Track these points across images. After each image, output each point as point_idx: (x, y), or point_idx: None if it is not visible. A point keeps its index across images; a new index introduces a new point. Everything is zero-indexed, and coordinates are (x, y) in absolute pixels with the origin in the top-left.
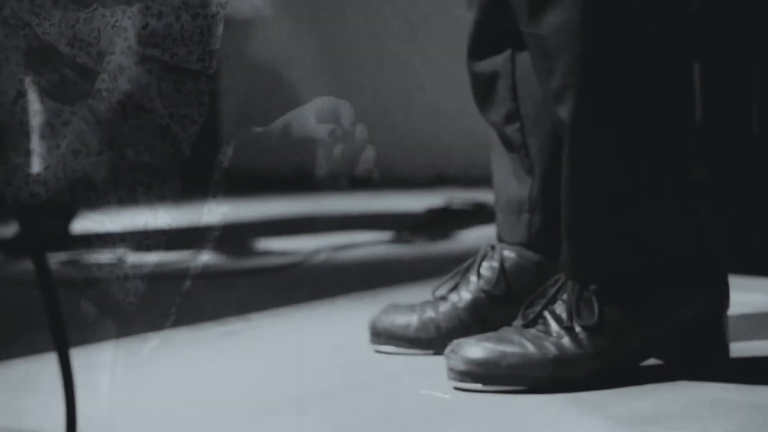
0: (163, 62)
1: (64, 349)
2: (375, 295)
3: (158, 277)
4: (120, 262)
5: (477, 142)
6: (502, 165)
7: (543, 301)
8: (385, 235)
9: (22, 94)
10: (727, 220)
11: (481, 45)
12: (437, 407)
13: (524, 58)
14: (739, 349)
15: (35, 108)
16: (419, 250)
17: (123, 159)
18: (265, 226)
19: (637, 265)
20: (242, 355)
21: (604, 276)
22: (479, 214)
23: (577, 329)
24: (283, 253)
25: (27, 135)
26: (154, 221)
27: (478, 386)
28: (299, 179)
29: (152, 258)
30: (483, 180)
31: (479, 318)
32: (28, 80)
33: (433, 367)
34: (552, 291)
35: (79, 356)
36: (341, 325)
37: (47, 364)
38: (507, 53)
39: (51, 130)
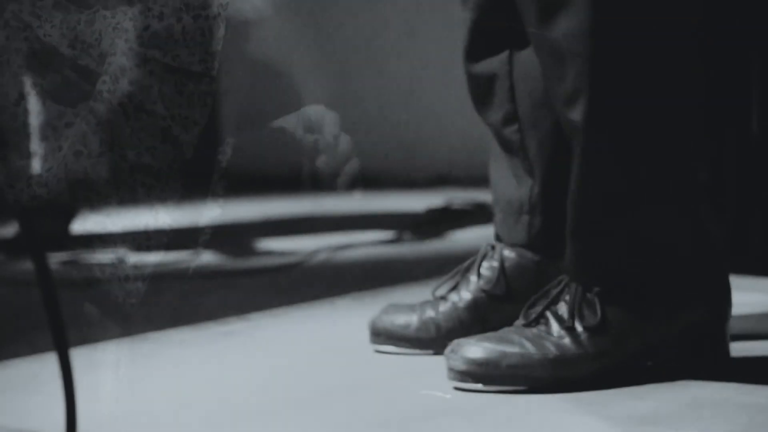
0: (164, 64)
1: (64, 349)
2: (375, 295)
3: (158, 277)
4: (120, 262)
5: (477, 142)
6: (500, 166)
7: (545, 302)
8: (385, 235)
9: (23, 96)
10: (727, 220)
11: (478, 46)
12: (437, 407)
13: (522, 59)
14: (739, 349)
15: (37, 110)
16: (419, 250)
17: (124, 160)
18: (265, 226)
19: (641, 268)
20: (242, 355)
21: (609, 278)
22: (479, 214)
23: (579, 329)
24: (283, 253)
25: (29, 137)
26: (155, 222)
27: (479, 386)
28: (299, 179)
29: (152, 258)
30: (483, 180)
31: (479, 318)
32: (29, 82)
33: (433, 367)
34: (555, 292)
35: (79, 356)
36: (341, 325)
37: (47, 364)
38: (504, 54)
39: (53, 131)
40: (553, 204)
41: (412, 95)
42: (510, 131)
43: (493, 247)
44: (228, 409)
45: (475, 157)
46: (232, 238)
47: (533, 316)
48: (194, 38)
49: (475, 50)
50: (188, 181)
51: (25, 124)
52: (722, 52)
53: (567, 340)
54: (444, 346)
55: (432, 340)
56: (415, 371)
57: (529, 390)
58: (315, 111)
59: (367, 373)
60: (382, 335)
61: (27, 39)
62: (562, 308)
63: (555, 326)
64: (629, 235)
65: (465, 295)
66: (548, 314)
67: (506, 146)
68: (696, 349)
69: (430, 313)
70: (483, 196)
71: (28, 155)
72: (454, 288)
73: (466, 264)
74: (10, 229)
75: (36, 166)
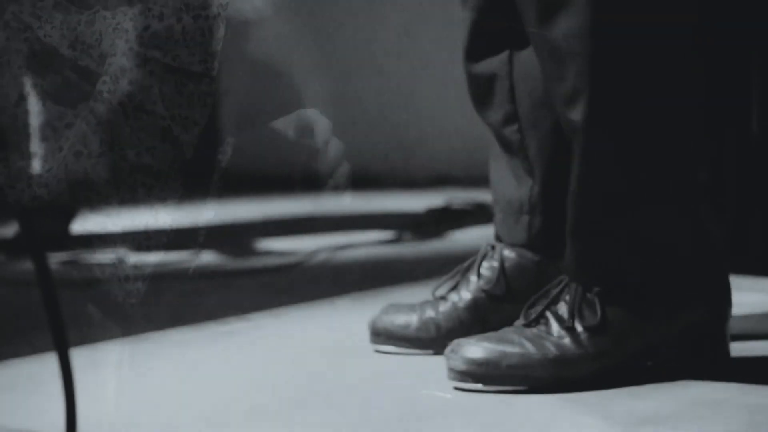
0: (164, 64)
1: (64, 349)
2: (375, 295)
3: (158, 277)
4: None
5: (477, 142)
6: (500, 166)
7: (545, 302)
8: (385, 235)
9: (24, 97)
10: (727, 220)
11: (478, 46)
12: (437, 407)
13: (522, 59)
14: (739, 349)
15: (37, 111)
16: (419, 250)
17: (124, 160)
18: (265, 226)
19: (641, 268)
20: (242, 355)
21: (609, 278)
22: (479, 214)
23: (579, 329)
24: (283, 253)
25: (29, 137)
26: (155, 222)
27: (479, 386)
28: (299, 179)
29: (152, 258)
30: (483, 180)
31: (479, 318)
32: (30, 83)
33: (433, 367)
34: (555, 292)
35: (79, 356)
36: (341, 325)
37: (47, 364)
38: (504, 55)
39: (53, 132)
40: (553, 204)
41: (412, 95)
42: (510, 131)
43: (493, 247)
44: (228, 409)
45: (475, 157)
46: (232, 238)
47: (533, 316)
48: (194, 38)
49: (475, 50)
50: (188, 181)
51: (26, 125)
52: (722, 51)
53: (567, 340)
54: (444, 346)
55: (432, 340)
56: (415, 371)
57: (529, 390)
58: (305, 115)
59: (367, 373)
60: (382, 335)
61: (27, 40)
62: (562, 308)
63: (555, 326)
64: (629, 234)
65: (465, 295)
66: (548, 314)
67: (506, 146)
68: (696, 349)
69: (430, 313)
70: (483, 196)
71: (28, 156)
72: (454, 288)
73: (466, 264)
74: (10, 229)
75: (36, 166)
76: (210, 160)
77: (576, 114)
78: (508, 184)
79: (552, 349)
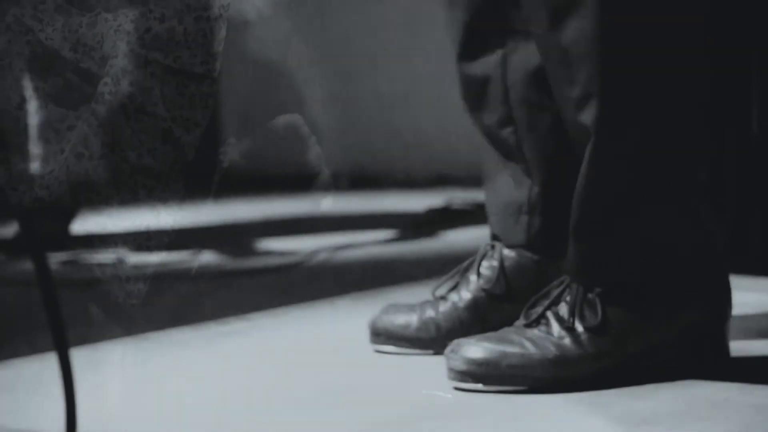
0: (166, 66)
1: (64, 349)
2: (375, 295)
3: (159, 278)
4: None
5: (477, 142)
6: (495, 169)
7: (546, 302)
8: (385, 235)
9: (26, 100)
10: (727, 220)
11: (471, 47)
12: (437, 407)
13: (515, 61)
14: (739, 349)
15: (39, 113)
16: (419, 250)
17: (126, 162)
18: (265, 226)
19: (642, 268)
20: (242, 355)
21: (610, 279)
22: (479, 214)
23: (579, 330)
24: (283, 253)
25: (31, 140)
26: (156, 222)
27: (479, 386)
28: (299, 179)
29: (153, 258)
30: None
31: (479, 317)
32: (31, 86)
33: (433, 367)
34: (556, 292)
35: (79, 356)
36: (341, 325)
37: (47, 364)
38: (497, 56)
39: (55, 134)
40: (552, 204)
41: (412, 95)
42: (506, 133)
43: (492, 247)
44: (228, 409)
45: (475, 157)
46: (232, 238)
47: (534, 316)
48: (196, 40)
49: (468, 51)
50: (189, 181)
51: (27, 127)
52: (722, 51)
53: (567, 341)
54: (444, 346)
55: (432, 340)
56: (415, 371)
57: (529, 390)
58: (290, 119)
59: (367, 373)
60: (382, 335)
61: (29, 42)
62: (563, 309)
63: (555, 326)
64: (631, 235)
65: (465, 294)
66: (549, 314)
67: (502, 148)
68: (696, 349)
69: (430, 312)
70: (483, 196)
71: (30, 158)
72: (454, 288)
73: (465, 264)
74: (10, 229)
75: (38, 168)
76: (211, 160)
77: (586, 117)
78: (504, 186)
79: (552, 350)
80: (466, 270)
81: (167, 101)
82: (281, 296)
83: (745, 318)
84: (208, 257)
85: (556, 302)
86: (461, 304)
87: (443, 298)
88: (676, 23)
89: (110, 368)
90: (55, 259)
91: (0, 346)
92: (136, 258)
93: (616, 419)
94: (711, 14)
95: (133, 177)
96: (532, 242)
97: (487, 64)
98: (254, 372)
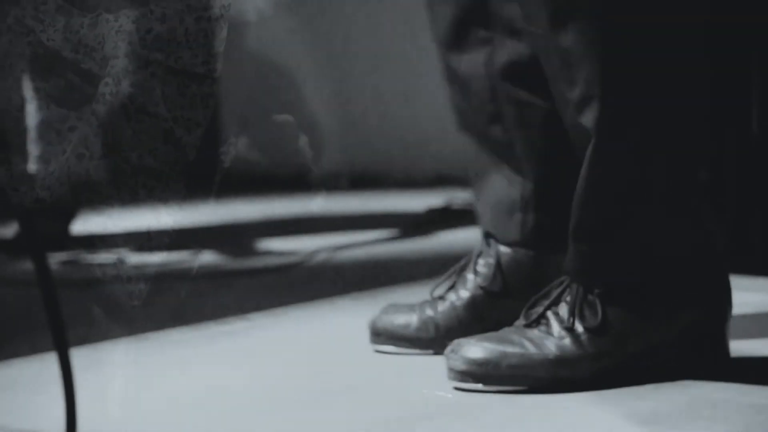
0: (167, 66)
1: (64, 349)
2: (375, 295)
3: (159, 278)
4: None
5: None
6: (485, 167)
7: (546, 302)
8: (385, 235)
9: (27, 101)
10: (727, 220)
11: (458, 41)
12: (437, 407)
13: (501, 58)
14: (739, 349)
15: (40, 114)
16: (419, 250)
17: (127, 162)
18: (265, 226)
19: (642, 269)
20: (242, 355)
21: (611, 280)
22: None
23: (579, 330)
24: (283, 253)
25: (32, 140)
26: (157, 222)
27: (479, 386)
28: (299, 179)
29: (153, 258)
30: None
31: (478, 315)
32: (33, 86)
33: (433, 367)
34: (556, 292)
35: (79, 356)
36: (341, 325)
37: (47, 364)
38: (483, 54)
39: (56, 135)
40: (545, 200)
41: (412, 95)
42: (495, 131)
43: (488, 245)
44: (228, 409)
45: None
46: (232, 238)
47: (534, 316)
48: (197, 40)
49: (454, 47)
50: (190, 181)
51: (29, 128)
52: (722, 51)
53: (567, 341)
54: (444, 346)
55: (432, 339)
56: (415, 371)
57: (529, 390)
58: (281, 120)
59: (367, 373)
60: (382, 335)
61: (30, 43)
62: (563, 309)
63: (556, 327)
64: (631, 236)
65: (463, 293)
66: (549, 315)
67: (492, 146)
68: (696, 349)
69: (429, 312)
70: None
71: (31, 158)
72: (452, 287)
73: (462, 263)
74: (10, 229)
75: (39, 168)
76: (212, 160)
77: (587, 119)
78: (495, 184)
79: (552, 350)
80: (463, 269)
81: (168, 101)
82: (281, 296)
83: (745, 318)
84: (208, 257)
85: (556, 302)
86: (459, 303)
87: (441, 297)
88: (676, 24)
89: (110, 368)
90: (55, 259)
91: (0, 346)
92: (136, 258)
93: (616, 419)
94: (711, 15)
95: (134, 177)
96: (527, 239)
97: (472, 62)
98: (254, 372)
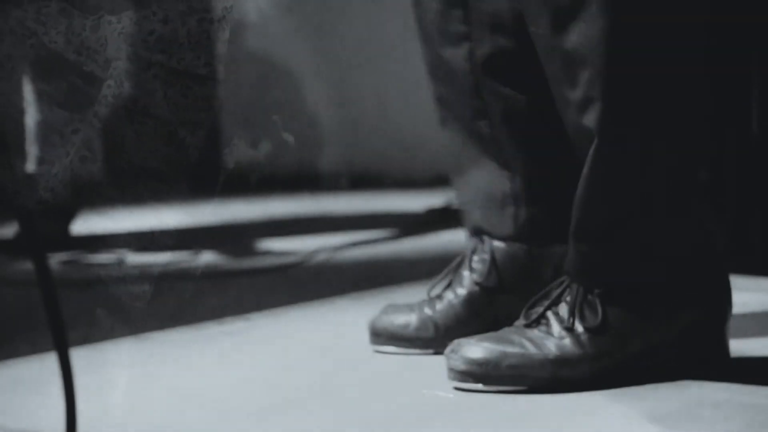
0: (169, 67)
1: (64, 349)
2: (375, 295)
3: (159, 277)
4: (121, 263)
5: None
6: (472, 162)
7: (546, 302)
8: (385, 235)
9: (30, 103)
10: (727, 220)
11: (441, 32)
12: (438, 407)
13: (483, 53)
14: (739, 349)
15: (43, 116)
16: (419, 250)
17: (130, 164)
18: (265, 226)
19: (642, 269)
20: (242, 355)
21: (611, 280)
22: None
23: (579, 330)
24: (283, 253)
25: (35, 143)
26: (158, 223)
27: (479, 386)
28: (299, 179)
29: (154, 258)
30: None
31: (475, 312)
32: (35, 89)
33: (433, 367)
34: (556, 292)
35: (79, 356)
36: (341, 325)
37: (47, 364)
38: (465, 49)
39: (59, 137)
40: (536, 193)
41: (412, 95)
42: (481, 125)
43: (482, 241)
44: (228, 409)
45: None
46: (232, 238)
47: (534, 316)
48: (199, 41)
49: (439, 40)
50: (193, 183)
51: (32, 130)
52: (723, 51)
53: (567, 341)
54: (444, 345)
55: (431, 339)
56: (415, 371)
57: (529, 390)
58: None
59: (367, 373)
60: (382, 336)
61: (32, 46)
62: (563, 309)
63: (556, 327)
64: (631, 236)
65: (460, 291)
66: (549, 315)
67: (478, 140)
68: (696, 349)
69: (428, 312)
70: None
71: (34, 160)
72: (449, 286)
73: (457, 260)
74: (10, 229)
75: (42, 170)
76: (213, 161)
77: (589, 119)
78: (483, 180)
79: (552, 350)
80: (458, 266)
81: (170, 103)
82: (281, 296)
83: (745, 318)
84: (208, 257)
85: (556, 302)
86: (457, 301)
87: (439, 296)
88: (677, 24)
89: (110, 368)
90: (55, 259)
91: (0, 346)
92: (137, 258)
93: (616, 419)
94: (711, 15)
95: (137, 178)
96: (520, 232)
97: (455, 57)
98: (254, 372)
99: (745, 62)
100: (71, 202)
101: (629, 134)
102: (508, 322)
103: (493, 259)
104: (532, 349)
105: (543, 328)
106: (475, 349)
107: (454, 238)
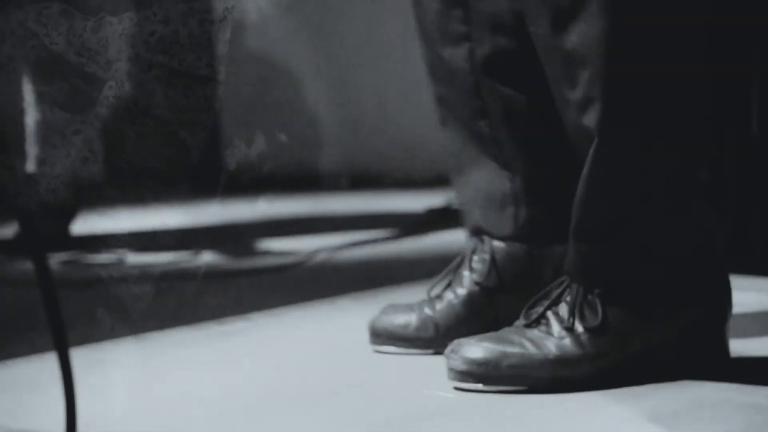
0: (170, 68)
1: (64, 349)
2: (375, 295)
3: (159, 277)
4: (121, 263)
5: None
6: (471, 162)
7: (546, 302)
8: (385, 235)
9: (31, 104)
10: (727, 220)
11: (441, 32)
12: (438, 407)
13: (483, 53)
14: (739, 349)
15: (45, 117)
16: (419, 250)
17: (130, 165)
18: (265, 226)
19: (642, 269)
20: (242, 355)
21: (611, 280)
22: None
23: (579, 330)
24: (283, 253)
25: (37, 143)
26: (159, 223)
27: (479, 386)
28: (299, 179)
29: (154, 259)
30: None
31: (475, 312)
32: (37, 90)
33: (433, 367)
34: (556, 292)
35: (79, 356)
36: (341, 325)
37: (47, 364)
38: (465, 49)
39: (61, 138)
40: (536, 193)
41: (412, 95)
42: (481, 125)
43: (482, 240)
44: (228, 409)
45: None
46: (232, 238)
47: (534, 316)
48: (200, 42)
49: (439, 39)
50: (194, 183)
51: (33, 131)
52: (723, 51)
53: (567, 341)
54: (444, 345)
55: (431, 339)
56: (415, 371)
57: (529, 390)
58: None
59: (367, 373)
60: (382, 336)
61: (34, 47)
62: (563, 309)
63: (556, 327)
64: (631, 236)
65: (459, 291)
66: (549, 315)
67: (478, 140)
68: (696, 349)
69: (428, 312)
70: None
71: (35, 161)
72: (449, 285)
73: (457, 260)
74: (10, 229)
75: (43, 171)
76: (213, 161)
77: (589, 119)
78: (483, 180)
79: (552, 350)
80: (458, 266)
81: (171, 104)
82: (281, 296)
83: (745, 318)
84: (208, 257)
85: (556, 302)
86: (457, 301)
87: (439, 296)
88: (677, 24)
89: (110, 368)
90: (55, 259)
91: (0, 346)
92: (137, 258)
93: (616, 419)
94: (711, 15)
95: (137, 179)
96: (520, 232)
97: (455, 57)
98: (254, 372)
99: (745, 62)
100: (72, 202)
101: (629, 134)
102: (508, 322)
103: (493, 259)
104: (532, 349)
105: (543, 328)
106: (475, 349)
107: (454, 238)
